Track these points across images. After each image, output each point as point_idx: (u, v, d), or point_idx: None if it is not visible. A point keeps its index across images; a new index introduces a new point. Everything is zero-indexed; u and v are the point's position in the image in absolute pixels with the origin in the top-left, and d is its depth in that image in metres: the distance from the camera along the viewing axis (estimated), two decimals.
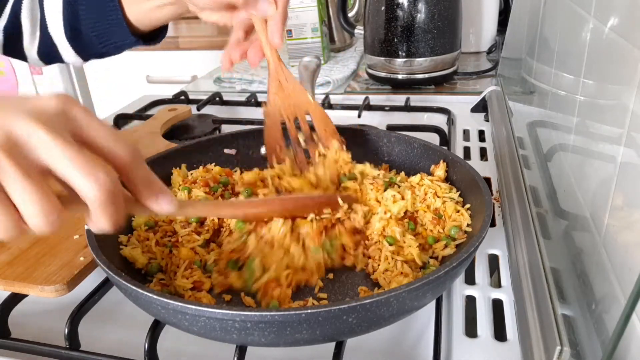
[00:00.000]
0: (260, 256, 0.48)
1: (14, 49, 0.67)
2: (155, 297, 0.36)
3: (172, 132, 0.84)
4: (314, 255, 0.48)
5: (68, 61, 0.69)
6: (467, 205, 0.53)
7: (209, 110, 0.95)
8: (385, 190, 0.54)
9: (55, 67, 1.78)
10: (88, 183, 0.30)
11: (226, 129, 0.87)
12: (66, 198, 0.31)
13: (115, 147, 0.33)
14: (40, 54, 0.68)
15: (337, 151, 0.59)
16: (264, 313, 0.35)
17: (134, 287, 0.37)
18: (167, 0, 0.60)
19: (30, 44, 0.67)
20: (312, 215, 0.49)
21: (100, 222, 0.32)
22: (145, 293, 0.37)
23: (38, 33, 0.66)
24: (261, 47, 0.56)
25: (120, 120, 0.92)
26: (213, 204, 0.50)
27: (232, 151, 0.65)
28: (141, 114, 0.94)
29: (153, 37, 0.68)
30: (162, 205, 0.35)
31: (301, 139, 0.60)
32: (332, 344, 0.40)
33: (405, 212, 0.53)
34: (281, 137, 0.60)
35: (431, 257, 0.50)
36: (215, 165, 0.62)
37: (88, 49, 0.67)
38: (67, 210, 0.31)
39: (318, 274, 0.48)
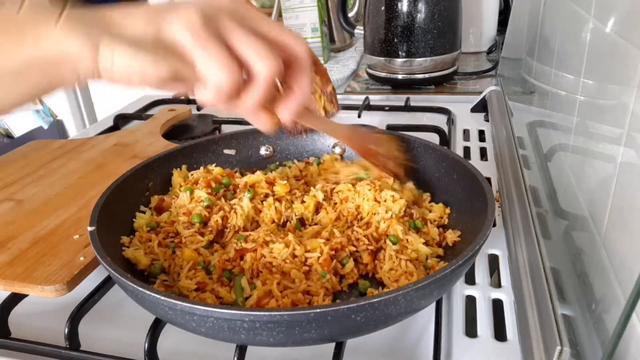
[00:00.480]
0: (250, 275, 0.47)
1: None
2: (162, 298, 0.36)
3: (172, 132, 0.84)
4: (321, 279, 0.46)
5: None
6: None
7: (209, 110, 0.95)
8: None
9: None
10: (266, 61, 0.34)
11: (226, 129, 0.87)
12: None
13: (293, 41, 0.37)
14: None
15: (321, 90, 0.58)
16: (273, 313, 0.35)
17: (140, 289, 0.37)
18: None
19: None
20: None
21: (251, 98, 0.36)
22: (152, 294, 0.37)
23: None
24: None
25: (120, 120, 0.92)
26: (329, 123, 0.54)
27: (232, 151, 0.65)
28: (141, 114, 0.94)
29: None
30: (287, 112, 0.39)
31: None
32: (332, 344, 0.40)
33: (405, 211, 0.53)
34: None
35: (439, 246, 0.51)
36: (215, 166, 0.62)
37: None
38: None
39: (323, 296, 0.45)
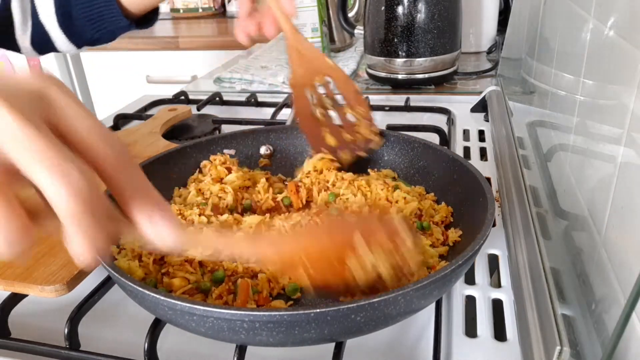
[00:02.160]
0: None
1: (7, 39, 0.66)
2: (162, 298, 0.36)
3: (172, 132, 0.84)
4: None
5: (61, 49, 0.68)
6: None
7: (209, 110, 0.95)
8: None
9: (55, 67, 1.78)
10: (57, 184, 0.23)
11: (226, 129, 0.87)
12: (38, 209, 0.24)
13: (99, 143, 0.25)
14: (34, 43, 0.67)
15: (363, 119, 0.58)
16: (272, 313, 0.35)
17: (140, 288, 0.37)
18: None
19: (23, 33, 0.66)
20: (366, 253, 0.37)
21: (75, 243, 0.24)
22: (152, 294, 0.37)
23: (30, 22, 0.65)
24: (274, 17, 0.54)
25: (120, 120, 0.92)
26: (232, 239, 0.38)
27: (232, 151, 0.65)
28: (141, 114, 0.94)
29: (146, 20, 0.67)
30: (159, 230, 0.27)
31: (328, 105, 0.60)
32: (332, 344, 0.40)
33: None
34: (310, 105, 0.60)
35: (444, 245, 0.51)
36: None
37: (81, 35, 0.66)
38: (38, 226, 0.24)
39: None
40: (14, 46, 0.68)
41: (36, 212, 0.24)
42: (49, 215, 0.24)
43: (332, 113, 0.62)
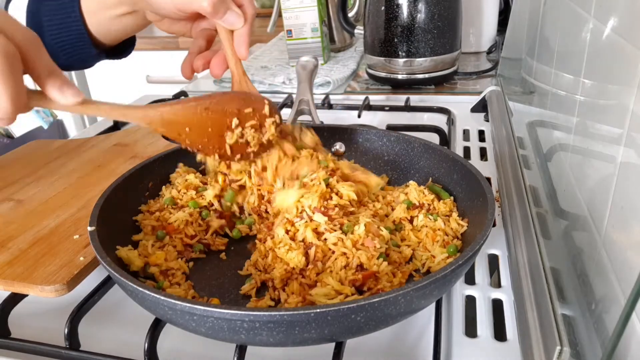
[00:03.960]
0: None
1: None
2: (162, 298, 0.36)
3: None
4: None
5: None
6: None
7: None
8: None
9: None
10: None
11: None
12: None
13: (15, 27, 0.34)
14: None
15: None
16: (272, 313, 0.35)
17: (140, 288, 0.37)
18: (124, 10, 0.58)
19: None
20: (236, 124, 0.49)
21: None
22: (152, 294, 0.37)
23: None
24: (224, 58, 0.54)
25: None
26: (124, 107, 0.46)
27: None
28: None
29: (119, 51, 0.67)
30: (66, 95, 0.36)
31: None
32: (332, 344, 0.40)
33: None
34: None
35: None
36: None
37: (54, 59, 0.67)
38: None
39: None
40: None
41: None
42: None
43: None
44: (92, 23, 0.62)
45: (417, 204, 0.55)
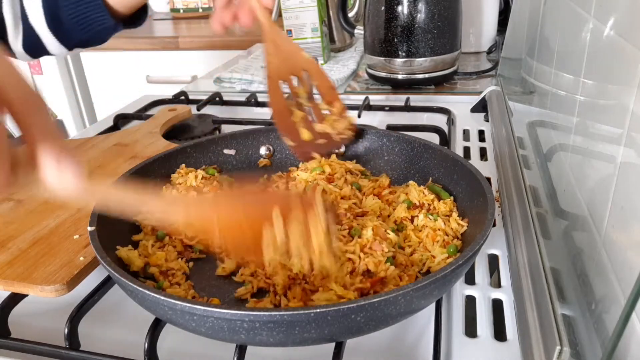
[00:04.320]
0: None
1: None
2: (162, 298, 0.36)
3: (172, 132, 0.84)
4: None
5: (53, 52, 0.69)
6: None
7: (209, 110, 0.95)
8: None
9: (55, 67, 1.78)
10: None
11: (226, 129, 0.87)
12: None
13: (9, 81, 0.27)
14: (26, 47, 0.68)
15: (340, 114, 0.58)
16: (272, 313, 0.35)
17: (140, 288, 0.37)
18: None
19: (15, 38, 0.66)
20: (279, 226, 0.37)
21: None
22: (152, 294, 0.37)
23: (21, 26, 0.66)
24: (251, 8, 0.54)
25: (120, 120, 0.92)
26: (139, 194, 0.36)
27: (232, 151, 0.65)
28: (141, 114, 0.94)
29: (134, 19, 0.67)
30: (63, 173, 0.28)
31: (303, 98, 0.60)
32: (332, 344, 0.40)
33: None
34: (285, 100, 0.60)
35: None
36: (214, 167, 0.63)
37: (70, 36, 0.67)
38: None
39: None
40: (8, 51, 0.68)
41: None
42: None
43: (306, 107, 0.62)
44: None
45: (418, 203, 0.55)
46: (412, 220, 0.54)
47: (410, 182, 0.58)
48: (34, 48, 0.68)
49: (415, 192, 0.56)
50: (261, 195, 0.40)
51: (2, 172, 0.26)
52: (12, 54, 0.69)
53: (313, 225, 0.36)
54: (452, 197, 0.55)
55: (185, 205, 0.36)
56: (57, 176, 0.28)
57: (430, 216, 0.53)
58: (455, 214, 0.53)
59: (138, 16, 0.68)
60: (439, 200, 0.55)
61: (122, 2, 0.63)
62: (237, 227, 0.36)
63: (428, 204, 0.55)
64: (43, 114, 0.28)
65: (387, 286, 0.45)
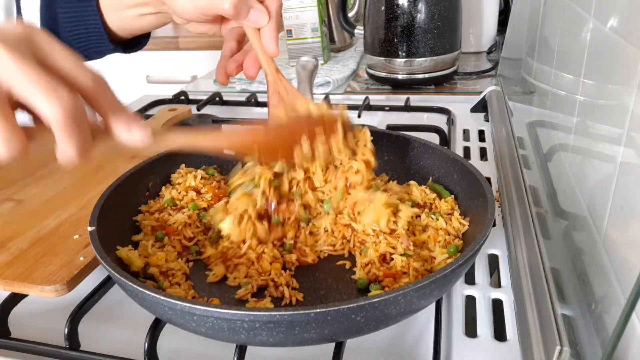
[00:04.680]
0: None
1: None
2: (162, 298, 0.36)
3: None
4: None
5: None
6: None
7: (209, 110, 0.95)
8: None
9: None
10: (49, 102, 0.29)
11: (226, 129, 0.87)
12: (32, 130, 0.32)
13: (79, 71, 0.32)
14: None
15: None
16: (272, 313, 0.35)
17: (140, 288, 0.37)
18: (149, 10, 0.58)
19: None
20: (306, 145, 0.47)
21: (66, 148, 0.31)
22: (152, 294, 0.37)
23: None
24: (257, 58, 0.54)
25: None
26: (193, 135, 0.45)
27: (232, 151, 0.65)
28: (141, 114, 0.94)
29: (134, 44, 0.67)
30: (134, 134, 0.34)
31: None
32: (332, 344, 0.40)
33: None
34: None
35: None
36: (214, 167, 0.63)
37: None
38: (32, 140, 0.31)
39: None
40: None
41: (30, 132, 0.31)
42: (40, 132, 0.32)
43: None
44: (112, 20, 0.61)
45: (422, 203, 0.55)
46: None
47: (411, 182, 0.59)
48: None
49: (417, 191, 0.56)
50: (290, 125, 0.49)
51: (87, 141, 0.32)
52: None
53: (334, 141, 0.49)
54: (453, 196, 0.55)
55: (229, 136, 0.46)
56: (130, 137, 0.35)
57: (432, 215, 0.53)
58: (457, 213, 0.53)
59: (138, 41, 0.68)
60: (440, 199, 0.55)
61: (124, 29, 0.63)
62: (271, 145, 0.47)
63: (430, 204, 0.55)
64: (109, 92, 0.34)
65: (398, 282, 0.46)
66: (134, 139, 0.35)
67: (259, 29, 0.52)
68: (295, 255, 0.50)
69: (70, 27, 0.62)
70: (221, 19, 0.56)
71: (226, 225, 0.50)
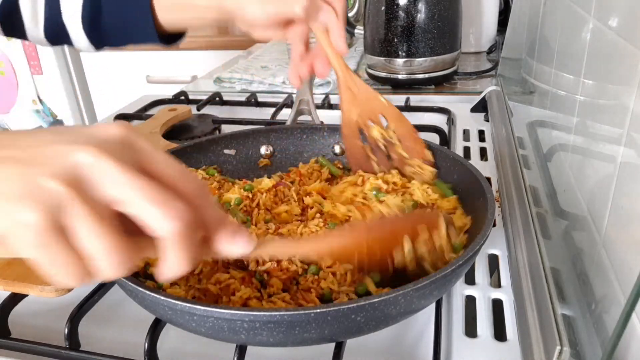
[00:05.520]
0: None
1: (13, 29, 0.65)
2: (162, 298, 0.36)
3: (172, 132, 0.84)
4: None
5: (79, 48, 0.67)
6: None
7: (209, 110, 0.95)
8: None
9: (55, 68, 1.78)
10: (166, 218, 0.27)
11: (226, 129, 0.87)
12: (136, 242, 0.28)
13: (185, 180, 0.29)
14: (48, 36, 0.66)
15: (419, 165, 0.58)
16: (272, 313, 0.35)
17: (140, 288, 0.37)
18: (210, 15, 0.57)
19: (34, 26, 0.64)
20: (408, 246, 0.42)
21: (175, 264, 0.28)
22: (152, 294, 0.37)
23: (41, 15, 0.64)
24: (326, 58, 0.55)
25: (120, 120, 0.92)
26: (291, 242, 0.44)
27: (232, 151, 0.65)
28: (141, 114, 0.94)
29: (173, 38, 0.66)
30: (239, 246, 0.32)
31: (380, 143, 0.59)
32: (332, 344, 0.40)
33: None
34: (362, 144, 0.60)
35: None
36: (214, 167, 0.63)
37: (105, 41, 0.66)
38: (139, 256, 0.28)
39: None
40: (22, 36, 0.66)
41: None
42: (145, 246, 0.28)
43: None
44: (167, 19, 0.61)
45: (424, 203, 0.55)
46: None
47: (412, 181, 0.58)
48: (57, 39, 0.66)
49: (419, 191, 0.56)
50: (391, 224, 0.46)
51: (197, 256, 0.29)
52: (26, 38, 0.66)
53: (437, 240, 0.43)
54: (456, 196, 0.55)
55: (330, 241, 0.42)
56: (232, 248, 0.32)
57: None
58: (459, 211, 0.53)
59: (178, 36, 0.67)
60: (442, 199, 0.55)
61: (176, 26, 0.61)
62: (372, 249, 0.42)
63: (432, 204, 0.55)
64: (212, 201, 0.31)
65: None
66: (236, 250, 0.32)
67: (327, 29, 0.53)
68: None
69: (116, 20, 0.61)
70: (286, 23, 0.56)
71: None
